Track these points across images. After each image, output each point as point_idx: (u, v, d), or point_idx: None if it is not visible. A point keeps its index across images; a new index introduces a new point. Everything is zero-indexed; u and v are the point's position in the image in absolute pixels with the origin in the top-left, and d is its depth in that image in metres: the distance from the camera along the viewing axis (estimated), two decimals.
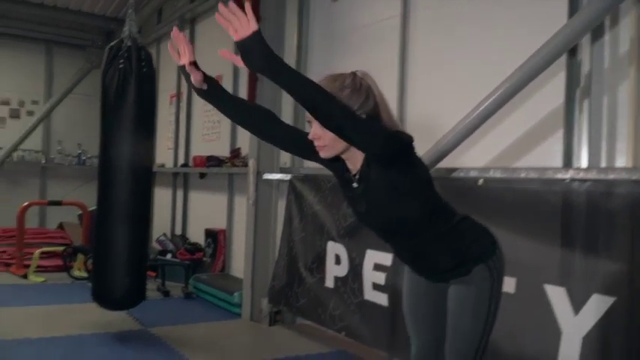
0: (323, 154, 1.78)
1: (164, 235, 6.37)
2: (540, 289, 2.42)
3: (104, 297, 3.82)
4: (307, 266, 3.88)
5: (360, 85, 1.73)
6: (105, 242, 3.75)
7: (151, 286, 5.29)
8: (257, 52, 1.49)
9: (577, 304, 2.30)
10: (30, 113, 7.76)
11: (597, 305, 2.22)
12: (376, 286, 3.28)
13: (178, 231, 6.45)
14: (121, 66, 3.74)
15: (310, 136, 1.76)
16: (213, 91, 1.81)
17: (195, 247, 5.82)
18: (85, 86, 7.80)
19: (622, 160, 2.42)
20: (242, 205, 4.99)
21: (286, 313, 4.38)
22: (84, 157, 7.97)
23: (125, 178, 3.72)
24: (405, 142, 1.72)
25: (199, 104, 6.31)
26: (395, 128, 1.76)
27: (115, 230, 3.73)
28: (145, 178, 3.85)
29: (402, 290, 2.08)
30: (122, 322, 4.22)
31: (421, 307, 2.02)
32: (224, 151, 5.52)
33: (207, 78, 1.78)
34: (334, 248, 3.64)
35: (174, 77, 6.75)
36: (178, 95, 6.71)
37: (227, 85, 5.67)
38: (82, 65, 7.86)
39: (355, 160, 1.80)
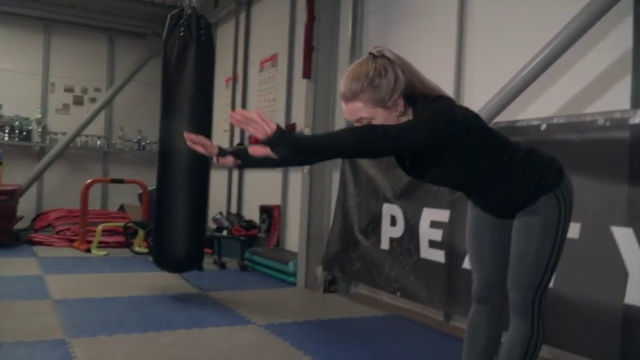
0: None
1: (220, 213, 6.49)
2: (606, 232, 2.34)
3: (164, 259, 3.93)
4: (362, 230, 3.88)
5: (384, 68, 1.65)
6: (165, 206, 3.87)
7: (208, 260, 5.42)
8: (283, 146, 1.49)
9: None
10: (92, 100, 8.07)
11: None
12: (432, 244, 3.24)
13: (234, 210, 6.57)
14: (181, 34, 3.87)
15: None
16: (250, 160, 1.83)
17: (250, 224, 5.91)
18: (145, 74, 8.05)
19: None
20: (297, 180, 5.03)
21: (341, 283, 4.38)
22: (144, 143, 8.23)
23: (185, 148, 3.80)
24: (447, 122, 1.64)
25: (255, 85, 6.42)
26: (433, 93, 1.71)
27: (175, 192, 3.84)
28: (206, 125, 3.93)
29: (466, 226, 2.04)
30: (180, 287, 4.34)
31: (485, 242, 1.98)
32: None
33: (236, 154, 1.83)
34: (390, 210, 3.63)
35: (231, 61, 6.89)
36: (234, 78, 6.84)
37: (282, 60, 5.74)
38: (142, 54, 8.13)
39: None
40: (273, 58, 5.99)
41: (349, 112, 1.70)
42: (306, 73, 4.50)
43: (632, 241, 2.25)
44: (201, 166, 3.90)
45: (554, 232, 1.79)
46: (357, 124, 1.69)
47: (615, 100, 2.64)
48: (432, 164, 1.76)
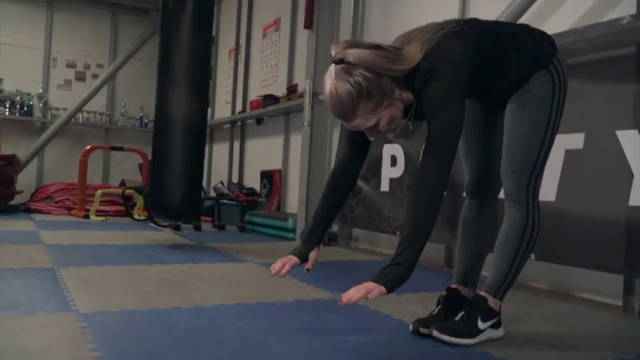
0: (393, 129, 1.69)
1: (221, 182, 6.42)
2: (611, 137, 2.25)
3: (160, 205, 3.85)
4: (362, 176, 3.79)
5: (361, 76, 1.49)
6: (162, 152, 3.80)
7: (207, 225, 5.34)
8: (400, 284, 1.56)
9: None
10: (95, 76, 8.04)
11: None
12: None
13: (235, 179, 6.49)
14: None
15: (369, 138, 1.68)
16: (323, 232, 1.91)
17: (251, 191, 5.84)
18: (148, 51, 8.01)
19: None
20: (298, 142, 4.95)
21: (341, 239, 4.30)
22: (146, 120, 8.18)
23: (183, 84, 3.75)
24: (454, 95, 1.57)
25: (257, 52, 6.36)
26: (415, 62, 1.57)
27: (171, 139, 3.76)
28: (202, 84, 3.85)
29: None
30: (177, 239, 4.26)
31: (475, 130, 1.90)
32: (281, 92, 5.52)
33: (312, 245, 1.87)
34: (390, 150, 3.54)
35: (233, 33, 6.85)
36: (237, 48, 6.79)
37: (285, 24, 5.68)
38: (145, 30, 8.09)
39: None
40: (277, 23, 5.93)
41: (355, 128, 1.61)
42: (308, 24, 4.43)
43: (637, 142, 2.16)
44: (198, 111, 3.83)
45: (549, 110, 1.71)
46: (368, 134, 1.63)
47: (623, 12, 2.54)
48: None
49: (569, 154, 2.41)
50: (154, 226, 5.14)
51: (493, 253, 1.81)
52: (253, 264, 3.21)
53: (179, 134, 3.77)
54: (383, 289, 1.50)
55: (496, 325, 1.80)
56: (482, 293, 1.80)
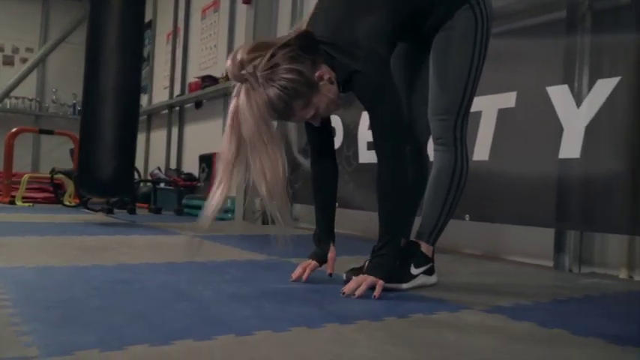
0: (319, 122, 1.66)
1: (157, 168, 6.22)
2: (542, 93, 2.28)
3: (89, 181, 3.66)
4: (302, 150, 3.74)
5: (291, 81, 1.45)
6: (91, 125, 3.62)
7: (142, 211, 5.15)
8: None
9: (579, 97, 2.16)
10: (24, 61, 7.66)
11: (601, 90, 2.08)
12: (370, 146, 3.13)
13: (173, 165, 6.31)
14: None
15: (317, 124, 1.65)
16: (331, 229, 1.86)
17: (189, 177, 5.67)
18: (81, 35, 7.65)
19: None
20: None
21: None
22: (79, 107, 7.83)
23: (114, 53, 3.59)
24: (382, 76, 1.56)
25: (196, 35, 6.20)
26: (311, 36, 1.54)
27: (101, 111, 3.59)
28: (133, 57, 3.69)
29: None
30: (109, 219, 4.08)
31: (400, 78, 1.83)
32: (221, 73, 5.39)
33: (327, 243, 1.83)
34: None
35: (171, 15, 6.66)
36: (175, 31, 6.60)
37: (224, 4, 5.56)
38: (78, 13, 7.77)
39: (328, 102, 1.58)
40: (216, 3, 5.80)
41: (298, 122, 1.63)
42: None
43: (567, 97, 2.20)
44: (131, 82, 3.67)
45: (472, 47, 1.68)
46: (312, 122, 1.62)
47: None
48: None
49: (502, 113, 2.43)
50: (87, 211, 4.91)
51: (424, 199, 1.78)
52: (188, 236, 3.10)
53: (109, 105, 3.60)
54: (382, 282, 1.56)
55: (429, 272, 1.77)
56: (415, 239, 1.77)
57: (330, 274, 1.80)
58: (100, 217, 4.35)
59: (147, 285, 1.63)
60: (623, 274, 2.14)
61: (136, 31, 3.70)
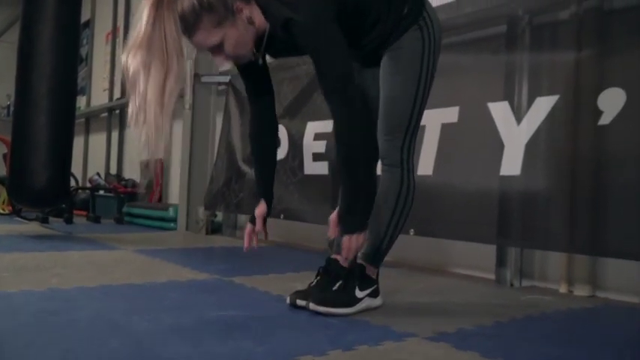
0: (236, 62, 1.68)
1: (97, 174, 5.99)
2: (484, 108, 2.31)
3: (21, 191, 3.47)
4: (246, 158, 3.67)
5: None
6: (23, 130, 3.44)
7: (80, 219, 4.95)
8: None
9: (519, 114, 2.20)
10: None
11: (540, 108, 2.12)
12: (316, 157, 3.10)
13: (113, 171, 6.09)
14: None
15: (215, 59, 1.59)
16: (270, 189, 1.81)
17: (130, 183, 5.49)
18: (15, 33, 7.32)
19: None
20: (179, 130, 4.72)
21: (225, 229, 4.14)
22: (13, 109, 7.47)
23: (46, 59, 3.43)
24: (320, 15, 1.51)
25: None
26: None
27: (33, 115, 3.41)
28: (67, 58, 3.52)
29: None
30: (43, 231, 3.88)
31: None
32: None
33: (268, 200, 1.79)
34: None
35: (111, 13, 6.43)
36: (114, 31, 6.38)
37: None
38: (12, 11, 7.40)
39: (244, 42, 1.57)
40: None
41: (197, 46, 1.53)
42: None
43: (507, 114, 2.23)
44: (66, 87, 3.51)
45: (419, 69, 1.67)
46: (212, 55, 1.56)
47: None
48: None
49: (445, 128, 2.45)
50: (20, 219, 4.67)
51: (369, 220, 1.76)
52: (127, 251, 2.98)
53: (42, 110, 3.43)
54: (361, 236, 1.58)
55: (374, 294, 1.75)
56: (360, 261, 1.75)
57: (266, 236, 1.79)
58: (35, 227, 4.15)
59: (80, 315, 1.53)
60: (563, 288, 2.18)
61: (72, 31, 3.53)
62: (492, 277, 2.45)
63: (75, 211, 5.15)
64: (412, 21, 1.67)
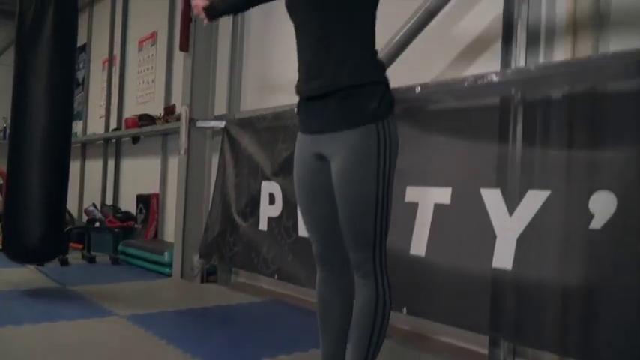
0: None
1: (93, 205, 5.98)
2: (476, 194, 2.28)
3: (15, 247, 3.46)
4: (240, 212, 3.65)
5: None
6: (16, 186, 3.42)
7: (76, 255, 4.94)
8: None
9: (512, 205, 2.16)
10: None
11: (532, 202, 2.09)
12: None
13: (109, 201, 6.08)
14: None
15: None
16: (221, 14, 2.08)
17: (126, 216, 5.48)
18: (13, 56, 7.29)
19: (560, 54, 2.30)
20: (176, 165, 4.70)
21: (220, 273, 4.12)
22: (10, 131, 7.45)
23: (42, 114, 3.42)
24: None
25: (133, 66, 5.99)
26: None
27: (27, 174, 3.41)
28: (63, 113, 3.52)
29: (294, 173, 1.83)
30: (36, 281, 3.86)
31: (318, 190, 1.73)
32: (158, 111, 5.21)
33: (214, 15, 2.06)
34: (268, 187, 3.42)
35: (107, 41, 6.40)
36: (111, 60, 6.35)
37: (162, 38, 5.39)
38: (10, 33, 7.35)
39: None
40: (153, 36, 5.60)
41: None
42: (184, 46, 4.19)
43: (499, 202, 2.20)
44: (60, 140, 3.50)
45: (375, 175, 1.60)
46: None
47: (489, 65, 2.60)
48: None
49: (438, 209, 2.42)
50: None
51: (349, 331, 1.73)
52: (119, 318, 2.95)
53: (36, 167, 3.42)
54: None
55: None
56: None
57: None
58: (29, 272, 4.11)
59: None
60: None
61: (66, 90, 3.52)
62: (485, 350, 2.43)
63: (71, 244, 5.15)
64: (372, 119, 1.60)
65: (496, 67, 2.52)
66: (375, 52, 1.70)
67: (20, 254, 3.49)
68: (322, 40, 1.65)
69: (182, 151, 4.17)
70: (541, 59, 2.39)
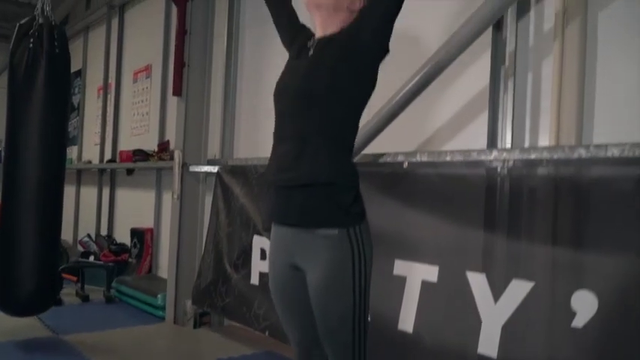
0: None
1: (88, 236, 6.00)
2: (463, 276, 2.30)
3: (6, 300, 3.47)
4: (232, 263, 3.67)
5: None
6: (8, 237, 3.43)
7: (70, 291, 4.96)
8: None
9: (497, 292, 2.19)
10: None
11: (516, 291, 2.12)
12: None
13: (104, 231, 6.09)
14: (31, 45, 3.47)
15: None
16: None
17: (120, 248, 5.49)
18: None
19: (545, 139, 2.33)
20: (170, 201, 4.72)
21: (214, 316, 4.14)
22: (4, 154, 7.45)
23: (34, 168, 3.44)
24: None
25: (128, 97, 6.00)
26: None
27: (20, 224, 3.42)
28: (56, 167, 3.53)
29: (269, 272, 1.82)
30: (29, 329, 3.86)
31: (294, 294, 1.75)
32: (153, 145, 5.23)
33: None
34: (260, 242, 3.44)
35: (102, 68, 6.41)
36: (106, 87, 6.36)
37: (156, 73, 5.40)
38: (5, 57, 7.35)
39: (327, 24, 1.74)
40: (148, 69, 5.62)
41: None
42: (177, 91, 4.21)
43: (485, 288, 2.23)
44: (52, 187, 3.51)
45: (351, 288, 1.61)
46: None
47: (475, 136, 2.62)
48: (327, 54, 1.69)
49: (425, 286, 2.44)
50: None
51: None
52: None
53: (29, 220, 3.44)
54: None
55: None
56: None
57: None
58: (19, 322, 4.11)
59: None
60: None
61: (57, 145, 3.54)
62: None
63: (65, 276, 5.17)
64: (345, 225, 1.61)
65: (482, 142, 2.55)
66: (351, 157, 1.73)
67: (13, 307, 3.50)
68: (302, 136, 1.66)
69: (175, 196, 4.19)
70: (527, 139, 2.42)
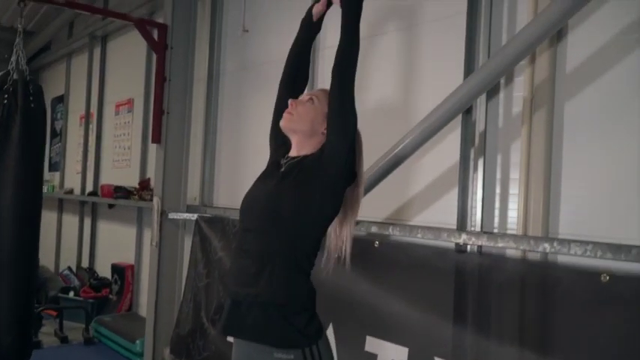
0: (285, 122, 1.81)
1: (69, 268, 5.98)
2: None
3: None
4: (210, 317, 3.67)
5: None
6: None
7: (49, 329, 4.93)
8: None
9: None
10: None
11: None
12: None
13: (85, 263, 6.07)
14: (5, 101, 3.44)
15: (290, 102, 1.83)
16: (314, 28, 2.02)
17: (101, 283, 5.48)
18: None
19: (514, 223, 2.35)
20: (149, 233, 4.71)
21: None
22: None
23: (7, 227, 3.41)
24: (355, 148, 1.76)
25: (110, 128, 5.98)
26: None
27: None
28: (30, 226, 3.50)
29: None
30: None
31: None
32: (134, 180, 5.22)
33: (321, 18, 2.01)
34: None
35: (84, 96, 6.38)
36: (87, 116, 6.34)
37: (138, 108, 5.39)
38: None
39: (303, 145, 1.80)
40: (130, 103, 5.60)
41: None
42: (156, 138, 4.20)
43: None
44: (26, 247, 3.48)
45: None
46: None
47: (447, 208, 2.63)
48: (292, 182, 1.71)
49: None
50: None
51: None
52: None
53: (5, 274, 3.42)
54: None
55: None
56: None
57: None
58: None
59: None
60: None
61: (33, 216, 3.50)
62: None
63: (45, 311, 5.18)
64: (299, 345, 1.63)
65: (453, 215, 2.56)
66: (309, 278, 1.73)
67: None
68: (262, 254, 1.68)
69: (154, 244, 4.19)
70: (496, 221, 2.44)
